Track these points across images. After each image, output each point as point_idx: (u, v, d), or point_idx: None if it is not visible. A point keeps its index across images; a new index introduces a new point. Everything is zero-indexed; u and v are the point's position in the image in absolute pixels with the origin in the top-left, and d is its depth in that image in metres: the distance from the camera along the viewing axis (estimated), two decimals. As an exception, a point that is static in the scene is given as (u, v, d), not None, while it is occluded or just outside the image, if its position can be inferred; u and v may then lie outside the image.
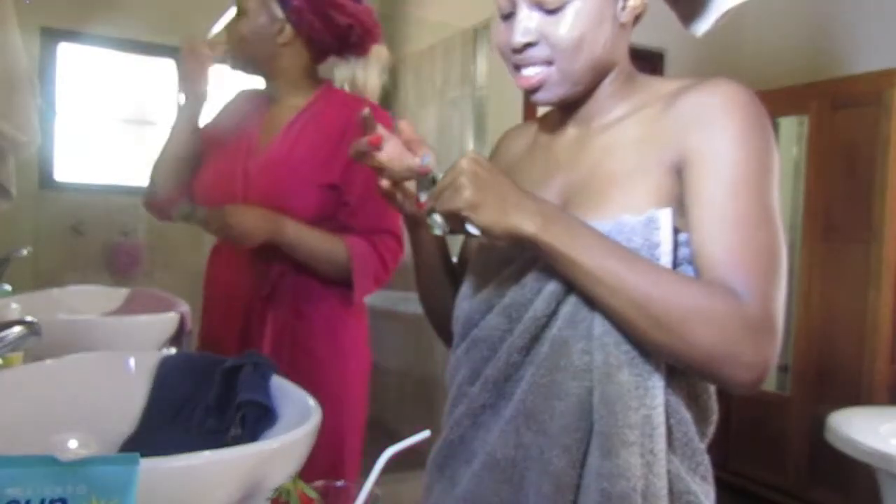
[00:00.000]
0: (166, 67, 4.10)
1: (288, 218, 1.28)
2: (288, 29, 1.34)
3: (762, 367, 0.67)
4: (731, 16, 0.84)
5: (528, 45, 0.77)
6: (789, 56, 3.30)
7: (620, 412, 0.71)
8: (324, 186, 1.32)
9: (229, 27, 1.37)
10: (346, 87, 1.49)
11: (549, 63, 0.78)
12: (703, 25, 0.86)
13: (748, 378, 0.67)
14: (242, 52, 1.36)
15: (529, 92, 0.81)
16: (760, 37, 3.44)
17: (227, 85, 1.56)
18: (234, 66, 1.40)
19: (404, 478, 1.33)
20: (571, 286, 0.74)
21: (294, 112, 1.37)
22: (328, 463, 1.30)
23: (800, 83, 3.12)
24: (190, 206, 1.30)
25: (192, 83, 1.36)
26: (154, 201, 1.46)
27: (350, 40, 1.38)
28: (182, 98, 1.39)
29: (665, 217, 0.72)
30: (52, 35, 3.72)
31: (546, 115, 0.93)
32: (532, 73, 0.79)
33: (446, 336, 0.95)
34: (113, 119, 4.05)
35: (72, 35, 3.77)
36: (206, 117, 1.44)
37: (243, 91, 1.52)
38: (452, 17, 3.59)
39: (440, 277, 0.96)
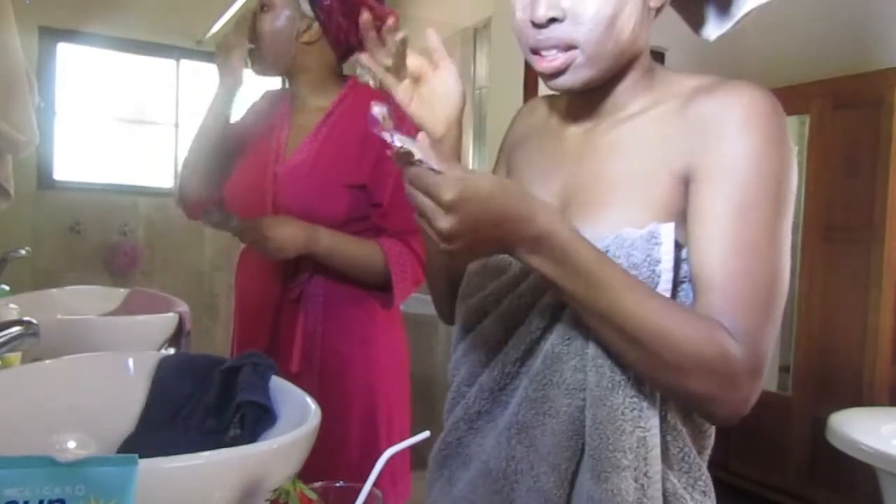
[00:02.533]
0: (166, 67, 4.10)
1: (322, 228, 1.25)
2: (315, 27, 1.30)
3: (744, 406, 0.66)
4: (752, 17, 0.78)
5: (553, 22, 0.71)
6: (790, 55, 3.30)
7: (612, 435, 0.68)
8: (353, 187, 1.29)
9: (251, 23, 1.32)
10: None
11: (570, 48, 0.71)
12: (719, 29, 0.82)
13: (727, 416, 0.67)
14: (262, 50, 1.32)
15: (551, 76, 0.73)
16: (761, 36, 3.44)
17: (252, 85, 1.49)
18: (253, 66, 1.35)
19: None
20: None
21: (320, 114, 1.34)
22: (363, 465, 1.27)
23: (801, 83, 3.11)
24: (222, 215, 1.25)
25: (227, 67, 1.31)
26: (185, 200, 1.43)
27: None
28: (219, 86, 1.33)
29: (667, 232, 0.68)
30: (51, 35, 3.72)
31: (559, 98, 0.87)
32: (554, 54, 0.72)
33: (441, 307, 0.94)
34: (111, 119, 4.04)
35: (71, 35, 3.77)
36: (235, 115, 1.39)
37: (268, 92, 1.49)
38: (452, 17, 3.59)
39: None
